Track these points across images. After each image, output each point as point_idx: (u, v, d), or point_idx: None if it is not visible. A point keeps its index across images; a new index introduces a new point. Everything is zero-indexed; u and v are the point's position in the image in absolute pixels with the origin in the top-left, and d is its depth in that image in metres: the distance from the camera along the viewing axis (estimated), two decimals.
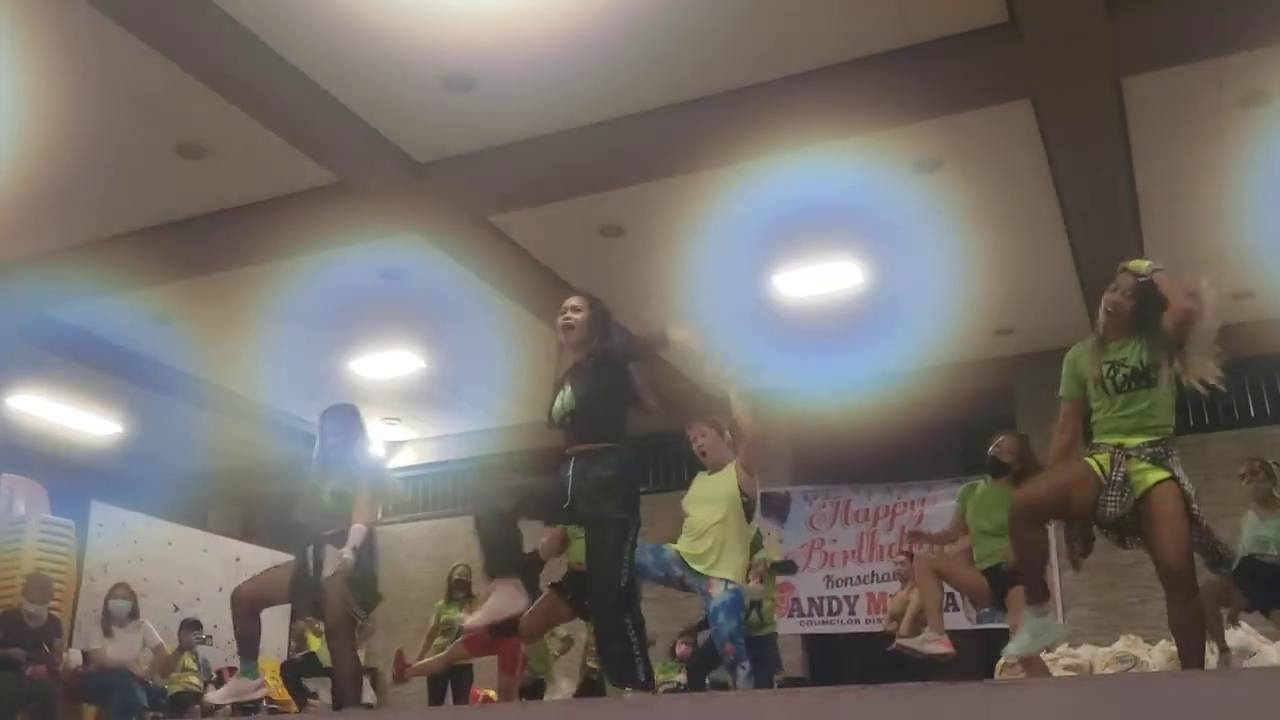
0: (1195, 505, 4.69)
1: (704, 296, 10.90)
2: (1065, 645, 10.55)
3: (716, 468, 6.66)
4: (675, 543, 6.46)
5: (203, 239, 9.62)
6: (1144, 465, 4.70)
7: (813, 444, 13.62)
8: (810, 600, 13.25)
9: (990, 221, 9.64)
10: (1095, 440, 4.89)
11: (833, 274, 10.48)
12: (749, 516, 6.54)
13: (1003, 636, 6.75)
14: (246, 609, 6.37)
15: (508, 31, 7.23)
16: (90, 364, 12.04)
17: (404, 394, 13.39)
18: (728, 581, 6.25)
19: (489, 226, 9.61)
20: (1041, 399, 12.27)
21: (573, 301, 5.57)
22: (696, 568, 6.28)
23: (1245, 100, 8.03)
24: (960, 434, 12.92)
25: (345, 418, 6.94)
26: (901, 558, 10.37)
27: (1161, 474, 4.69)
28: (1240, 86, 7.87)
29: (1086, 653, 10.27)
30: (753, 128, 8.06)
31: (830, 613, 13.14)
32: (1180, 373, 4.86)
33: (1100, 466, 4.75)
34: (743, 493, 6.46)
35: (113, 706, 9.88)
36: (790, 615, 13.19)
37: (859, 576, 13.09)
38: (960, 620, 10.09)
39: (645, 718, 3.26)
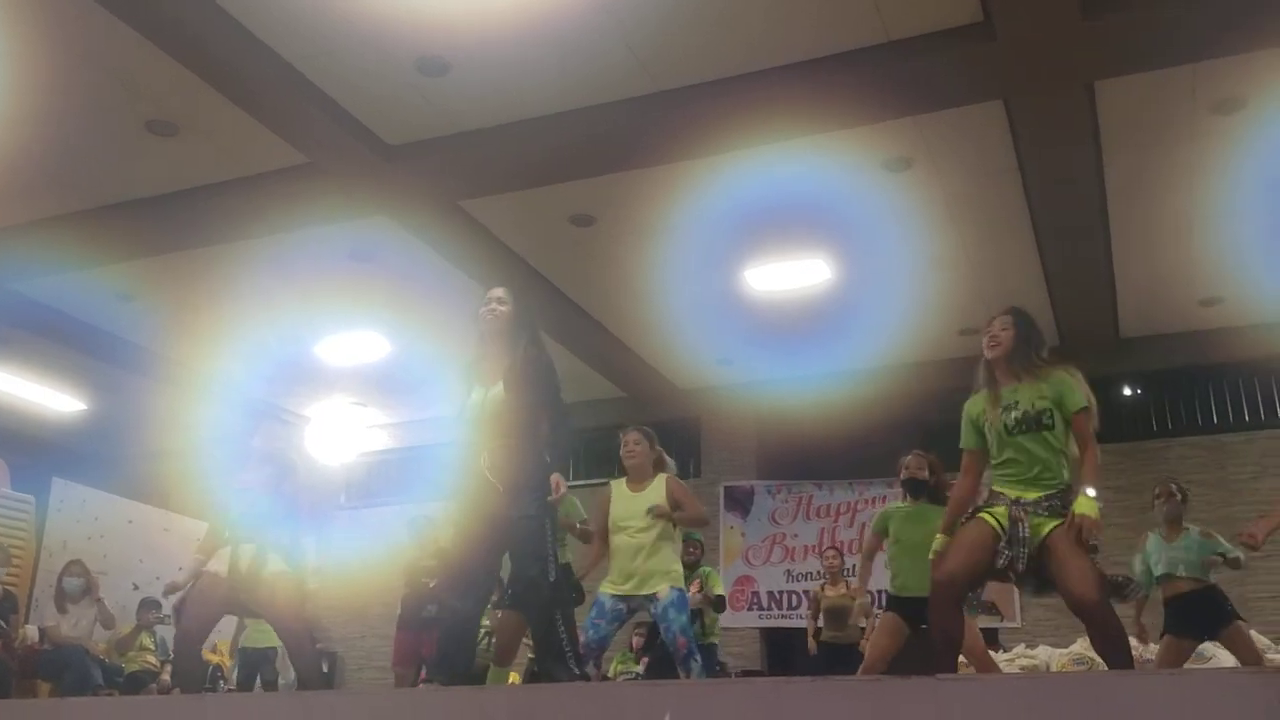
0: (1095, 540, 4.68)
1: (673, 288, 10.92)
2: (1022, 645, 10.64)
3: (640, 481, 6.54)
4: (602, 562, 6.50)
5: (171, 216, 9.55)
6: (1041, 519, 4.68)
7: (777, 439, 13.67)
8: (770, 594, 13.30)
9: (958, 222, 9.68)
10: (995, 488, 4.86)
11: (802, 270, 10.50)
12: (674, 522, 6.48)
13: None
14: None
15: (484, 16, 7.20)
16: (55, 339, 11.94)
17: (371, 377, 13.34)
18: (671, 585, 6.29)
19: (459, 211, 9.57)
20: None
21: (498, 293, 5.55)
22: (639, 592, 6.28)
23: (1217, 106, 8.08)
24: (922, 432, 12.94)
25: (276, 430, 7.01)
26: (831, 553, 10.44)
27: (1055, 521, 4.66)
28: (1212, 92, 7.92)
29: (1043, 653, 10.33)
30: (726, 121, 8.06)
31: (790, 606, 13.19)
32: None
33: (998, 520, 4.72)
34: (677, 507, 6.41)
35: (67, 683, 9.81)
36: (749, 609, 13.25)
37: (818, 571, 13.12)
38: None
39: (598, 704, 3.26)
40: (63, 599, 10.30)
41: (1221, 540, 7.60)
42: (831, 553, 10.50)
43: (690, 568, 9.11)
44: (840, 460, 13.21)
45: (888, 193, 9.20)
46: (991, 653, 9.32)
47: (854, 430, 12.52)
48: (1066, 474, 4.81)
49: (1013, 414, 4.83)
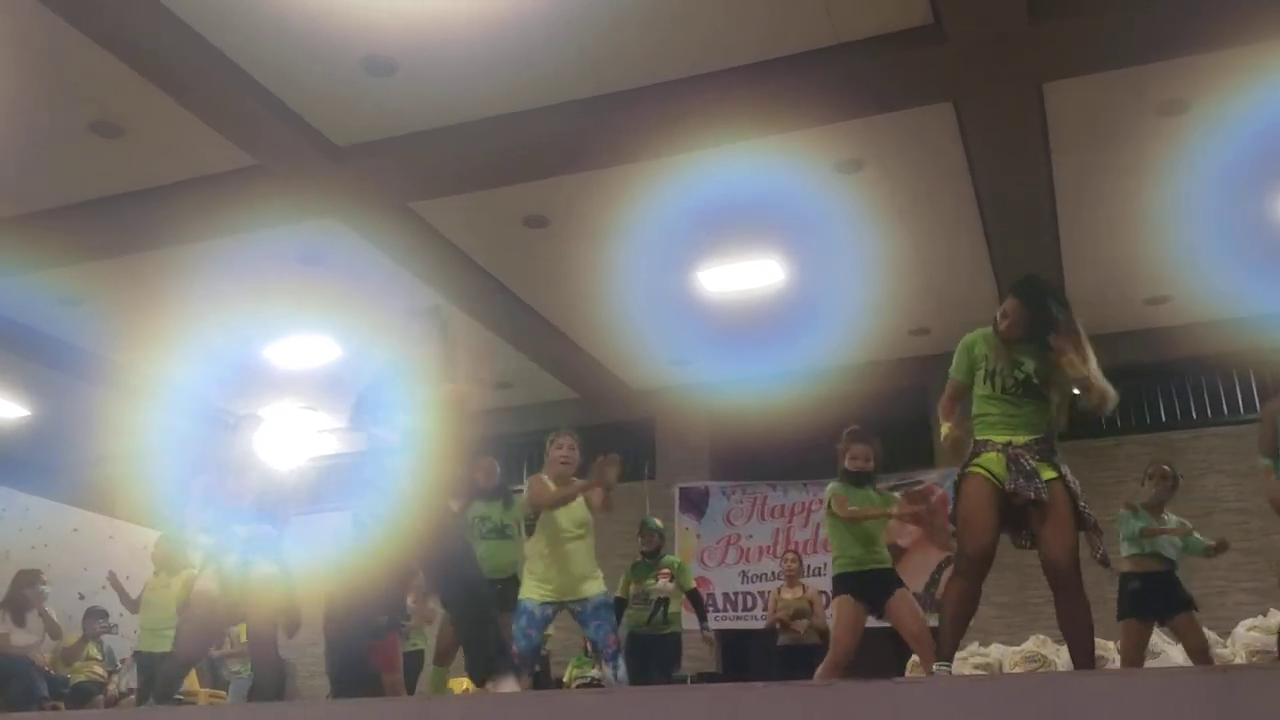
0: (1083, 503, 4.80)
1: (627, 289, 10.90)
2: (975, 644, 10.69)
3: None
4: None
5: (117, 220, 9.41)
6: (1037, 461, 4.79)
7: (731, 439, 13.68)
8: (725, 596, 13.28)
9: (909, 222, 9.72)
10: (980, 436, 4.94)
11: (755, 271, 10.51)
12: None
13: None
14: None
15: (431, 15, 7.15)
16: None
17: (321, 381, 13.20)
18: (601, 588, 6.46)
19: (410, 213, 9.49)
20: None
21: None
22: (571, 598, 6.39)
23: (1164, 108, 8.16)
24: (876, 432, 13.01)
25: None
26: (790, 555, 10.46)
27: (1051, 473, 4.79)
28: (1159, 94, 8.00)
29: (996, 652, 10.41)
30: (678, 122, 8.06)
31: (745, 608, 13.18)
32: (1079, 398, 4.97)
33: (988, 469, 4.80)
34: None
35: (12, 695, 9.64)
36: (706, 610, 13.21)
37: (774, 573, 13.12)
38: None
39: (557, 711, 3.22)
40: (21, 609, 10.07)
41: (1197, 536, 7.72)
42: (790, 555, 10.51)
43: (651, 555, 9.14)
44: (795, 460, 13.20)
45: (839, 194, 9.22)
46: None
47: (808, 430, 12.48)
48: (1050, 427, 4.92)
49: (1017, 373, 4.92)
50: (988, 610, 11.68)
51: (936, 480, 11.88)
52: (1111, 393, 4.93)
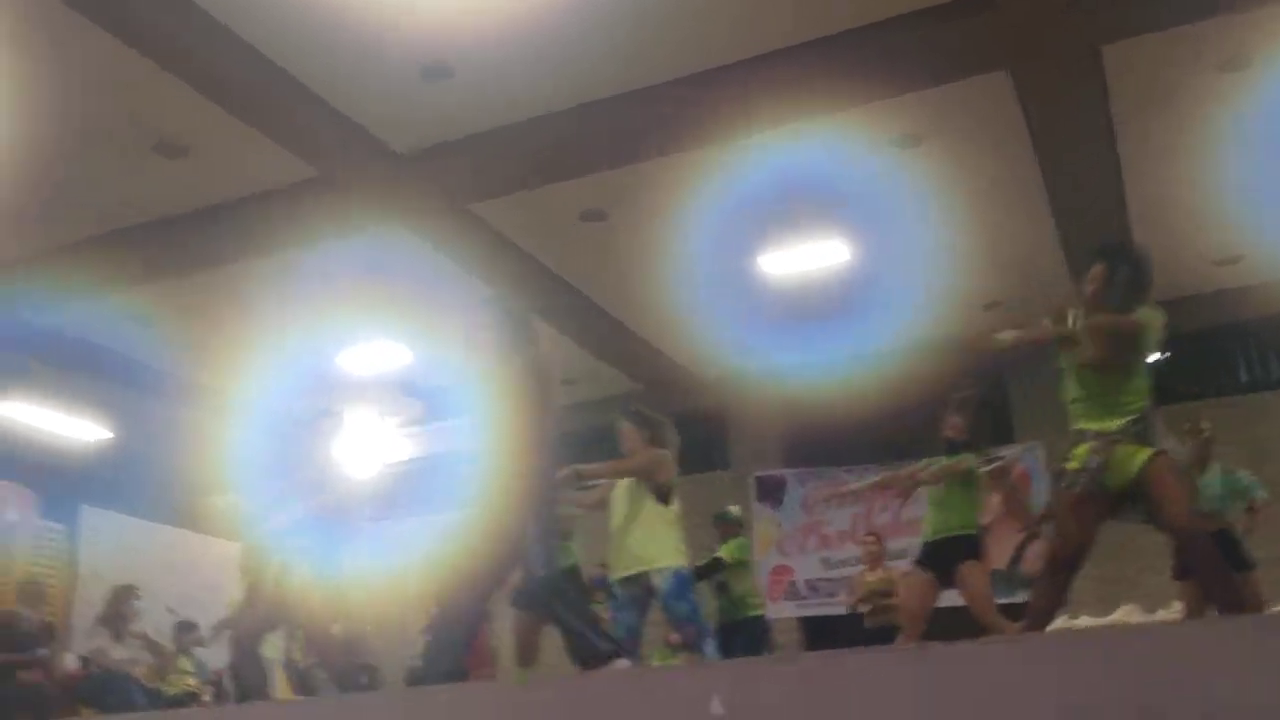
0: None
1: (690, 279, 10.88)
2: (1064, 616, 10.54)
3: None
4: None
5: (185, 238, 9.58)
6: (1130, 446, 4.73)
7: (804, 425, 13.59)
8: (807, 583, 13.23)
9: (973, 195, 9.61)
10: (1075, 426, 4.90)
11: (818, 253, 10.45)
12: (664, 499, 6.47)
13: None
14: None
15: (482, 17, 7.19)
16: (76, 368, 11.97)
17: (395, 387, 13.33)
18: (671, 568, 6.29)
19: (470, 215, 9.57)
20: (1033, 372, 12.27)
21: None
22: (633, 571, 6.30)
23: (1225, 64, 8.01)
24: (969, 403, 12.87)
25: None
26: (870, 539, 10.39)
27: (1146, 453, 4.73)
28: (1219, 51, 7.86)
29: (1085, 623, 10.26)
30: (731, 107, 8.04)
31: (828, 594, 13.11)
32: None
33: (1084, 461, 4.79)
34: (652, 479, 6.45)
35: (110, 708, 9.84)
36: (787, 598, 13.18)
37: (855, 558, 13.03)
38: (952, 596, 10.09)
39: (645, 689, 3.24)
40: (123, 623, 10.28)
41: (1243, 476, 7.61)
42: (870, 538, 10.44)
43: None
44: (870, 443, 13.11)
45: (899, 170, 9.14)
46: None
47: (882, 412, 12.44)
48: (1144, 403, 4.85)
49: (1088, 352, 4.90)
50: (1077, 582, 11.53)
51: (1017, 456, 11.76)
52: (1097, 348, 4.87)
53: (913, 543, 12.61)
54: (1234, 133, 8.83)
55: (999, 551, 11.87)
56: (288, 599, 6.41)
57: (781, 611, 13.02)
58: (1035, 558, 11.07)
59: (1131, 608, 10.14)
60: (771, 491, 13.53)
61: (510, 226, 9.86)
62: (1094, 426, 4.81)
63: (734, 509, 9.59)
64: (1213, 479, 7.65)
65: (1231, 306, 11.67)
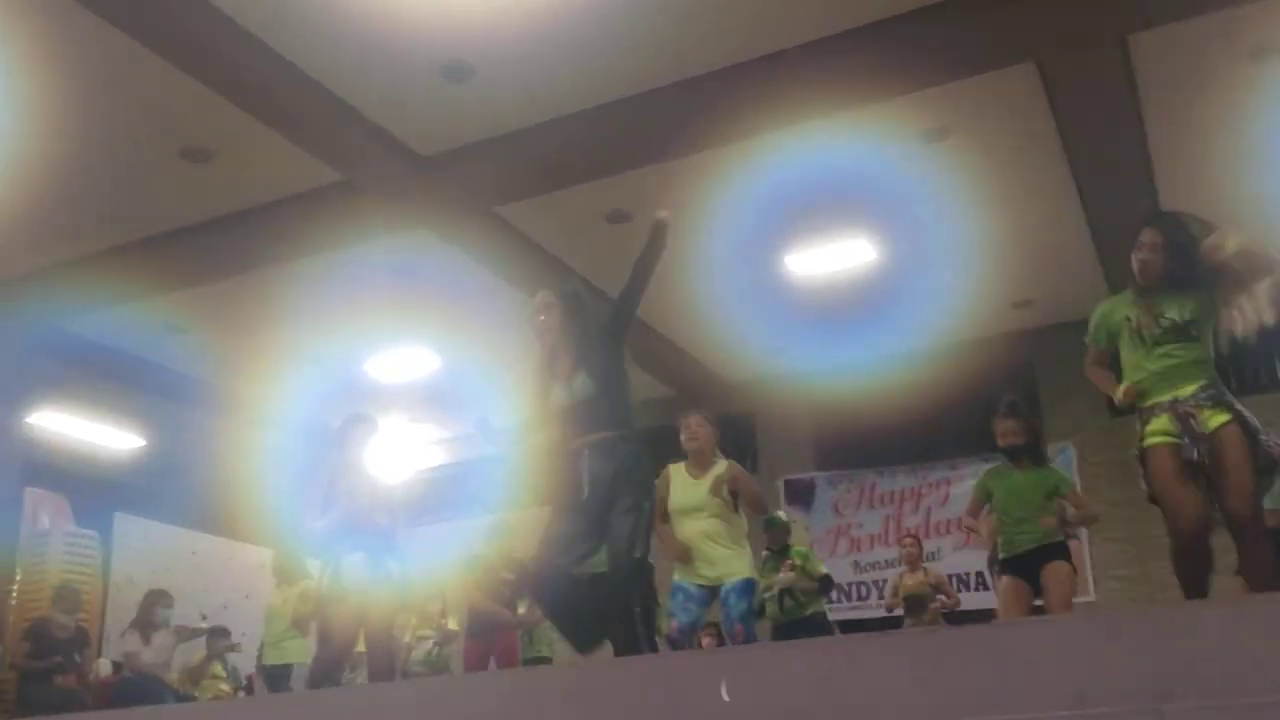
0: (1264, 436, 4.60)
1: (715, 279, 10.82)
2: None
3: (703, 467, 6.48)
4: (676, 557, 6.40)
5: (212, 244, 9.64)
6: (1206, 411, 4.61)
7: (834, 427, 13.49)
8: (839, 586, 13.14)
9: (1002, 189, 9.52)
10: (1145, 403, 4.74)
11: (845, 251, 10.37)
12: (736, 506, 6.45)
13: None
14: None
15: (503, 16, 7.20)
16: (107, 376, 12.06)
17: (423, 393, 13.35)
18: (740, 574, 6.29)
19: (495, 218, 9.57)
20: (1065, 371, 12.09)
21: (543, 300, 5.49)
22: (709, 583, 6.27)
23: (1255, 52, 7.90)
24: (984, 411, 12.74)
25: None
26: (909, 540, 10.29)
27: (1224, 416, 4.60)
28: (1249, 38, 7.75)
29: None
30: (755, 103, 8.00)
31: (860, 598, 13.03)
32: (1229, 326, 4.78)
33: (1166, 432, 4.61)
34: (733, 492, 6.39)
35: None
36: None
37: (887, 560, 12.94)
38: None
39: (655, 675, 3.20)
40: (150, 628, 10.36)
41: None
42: (910, 540, 10.36)
43: (779, 553, 9.08)
44: (900, 445, 13.03)
45: (927, 165, 9.07)
46: None
47: (912, 413, 12.35)
48: (1213, 371, 4.74)
49: (1163, 321, 4.77)
50: (1110, 584, 11.42)
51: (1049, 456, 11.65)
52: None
53: (944, 544, 12.60)
54: (1267, 121, 8.69)
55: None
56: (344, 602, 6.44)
57: None
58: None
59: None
60: (801, 495, 13.45)
61: (536, 229, 9.86)
62: (1165, 397, 4.67)
63: (782, 514, 9.56)
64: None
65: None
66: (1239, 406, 4.67)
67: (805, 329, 12.00)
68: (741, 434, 13.75)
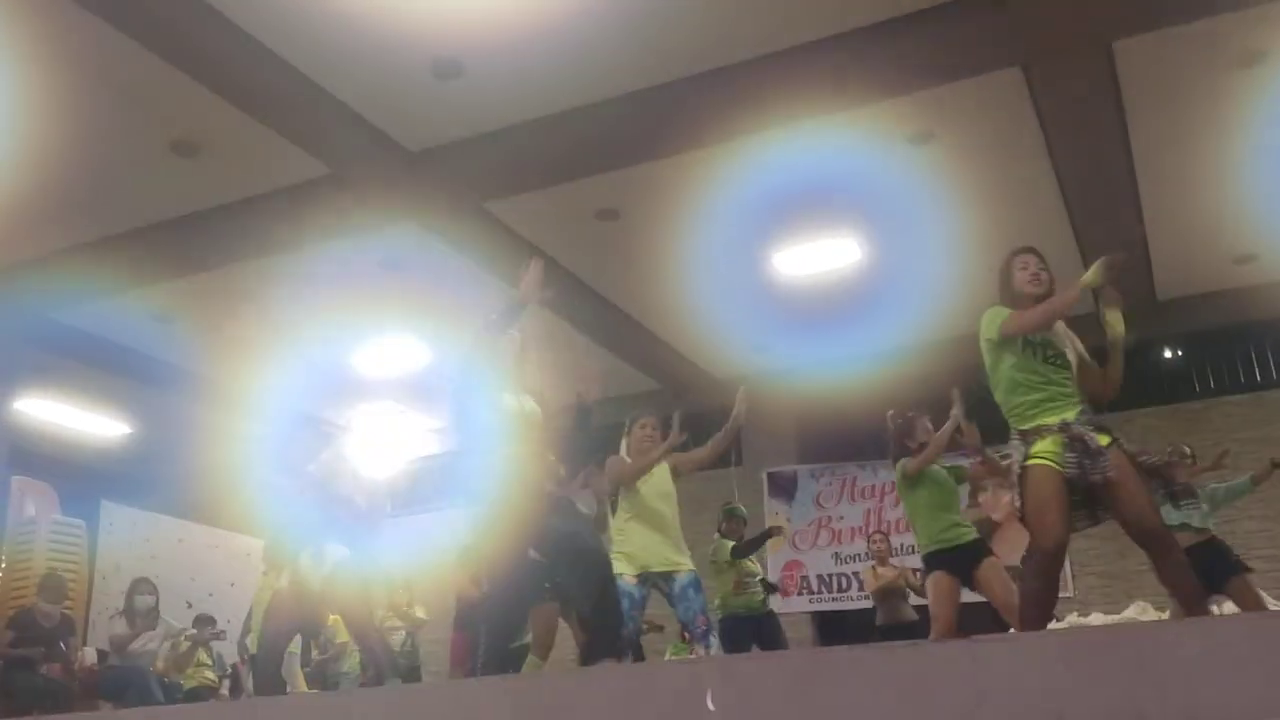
0: (1141, 456, 4.71)
1: (703, 277, 10.89)
2: (1074, 614, 10.56)
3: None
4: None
5: (201, 236, 9.65)
6: (1096, 435, 4.68)
7: (818, 422, 13.61)
8: (819, 578, 13.27)
9: (986, 192, 9.59)
10: (1028, 425, 4.77)
11: (831, 251, 10.44)
12: None
13: None
14: None
15: (494, 15, 7.23)
16: (95, 365, 12.08)
17: (411, 384, 13.39)
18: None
19: (484, 213, 9.61)
20: None
21: None
22: (660, 569, 6.38)
23: (1239, 60, 7.98)
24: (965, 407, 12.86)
25: None
26: (878, 536, 10.39)
27: (1105, 439, 4.67)
28: (1234, 46, 7.82)
29: (1097, 620, 10.26)
30: (743, 105, 8.05)
31: (839, 589, 13.16)
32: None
33: (1052, 456, 4.65)
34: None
35: (129, 702, 9.92)
36: (800, 593, 13.22)
37: (866, 553, 13.07)
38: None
39: (639, 684, 3.27)
40: (134, 616, 10.39)
41: (1219, 485, 7.98)
42: (878, 536, 10.45)
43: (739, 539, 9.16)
44: (882, 440, 13.10)
45: (912, 167, 9.14)
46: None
47: (895, 409, 12.41)
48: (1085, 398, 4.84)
49: (1058, 343, 4.91)
50: (1087, 580, 11.54)
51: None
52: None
53: None
54: (1249, 129, 8.78)
55: (1010, 550, 11.91)
56: (323, 594, 6.48)
57: (794, 606, 13.07)
58: None
59: (1144, 604, 10.14)
60: (783, 487, 13.58)
61: (524, 225, 9.89)
62: (1053, 419, 4.72)
63: (741, 507, 9.60)
64: (1199, 498, 7.81)
65: (1247, 305, 11.63)
66: (1116, 433, 4.77)
67: (791, 326, 12.09)
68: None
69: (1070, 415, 4.71)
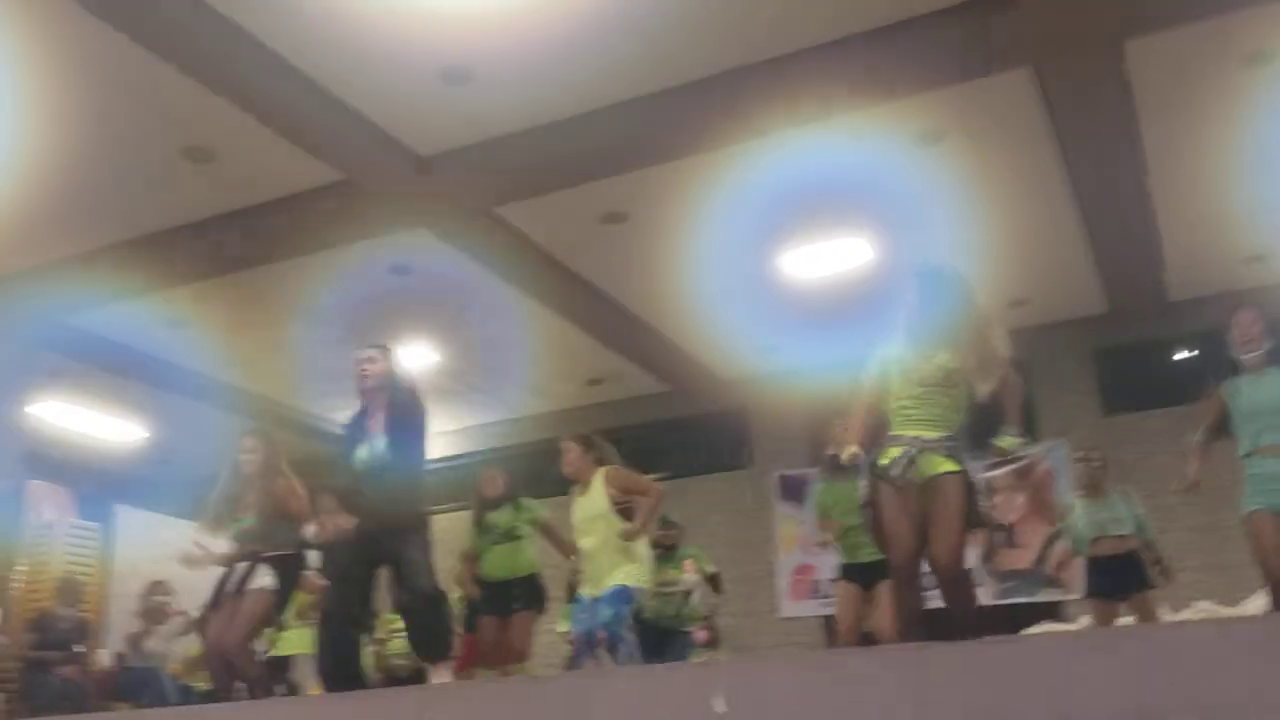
0: (983, 501, 4.83)
1: (711, 279, 10.90)
2: (1086, 617, 10.49)
3: (584, 486, 6.79)
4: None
5: (213, 241, 9.70)
6: (938, 458, 4.79)
7: (827, 425, 13.53)
8: (830, 582, 13.21)
9: (998, 192, 9.57)
10: (894, 432, 4.97)
11: (841, 252, 10.42)
12: (630, 515, 6.71)
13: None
14: None
15: (503, 21, 7.25)
16: (110, 369, 12.14)
17: (423, 388, 13.39)
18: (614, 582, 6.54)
19: (494, 218, 9.63)
20: (1058, 370, 12.23)
21: (367, 354, 6.82)
22: (596, 592, 6.57)
23: (1250, 59, 7.94)
24: (976, 409, 12.81)
25: None
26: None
27: (952, 465, 4.76)
28: (1244, 45, 7.79)
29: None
30: (752, 107, 8.05)
31: None
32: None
33: (889, 458, 4.85)
34: (615, 501, 6.69)
35: (145, 705, 9.97)
36: (811, 597, 13.19)
37: None
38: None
39: (650, 686, 3.29)
40: (150, 619, 10.44)
41: (1137, 503, 8.06)
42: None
43: (669, 548, 9.06)
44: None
45: (923, 167, 9.11)
46: (1054, 625, 9.32)
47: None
48: (958, 426, 4.96)
49: (929, 367, 5.01)
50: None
51: (1040, 455, 11.75)
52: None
53: None
54: (1260, 128, 8.74)
55: (1024, 550, 11.91)
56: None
57: (805, 610, 13.06)
58: (1060, 556, 11.09)
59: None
60: (795, 490, 13.52)
61: (533, 229, 9.92)
62: (910, 433, 4.89)
63: (672, 515, 9.41)
64: (1113, 502, 8.02)
65: (1264, 305, 11.54)
66: (967, 467, 4.84)
67: (800, 327, 12.07)
68: (736, 430, 13.87)
69: (928, 434, 4.86)
